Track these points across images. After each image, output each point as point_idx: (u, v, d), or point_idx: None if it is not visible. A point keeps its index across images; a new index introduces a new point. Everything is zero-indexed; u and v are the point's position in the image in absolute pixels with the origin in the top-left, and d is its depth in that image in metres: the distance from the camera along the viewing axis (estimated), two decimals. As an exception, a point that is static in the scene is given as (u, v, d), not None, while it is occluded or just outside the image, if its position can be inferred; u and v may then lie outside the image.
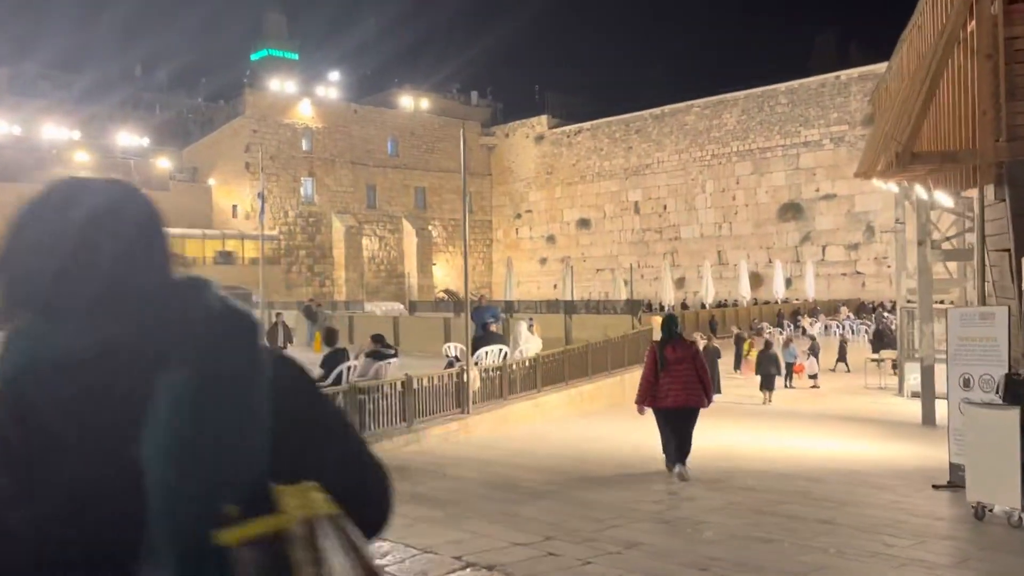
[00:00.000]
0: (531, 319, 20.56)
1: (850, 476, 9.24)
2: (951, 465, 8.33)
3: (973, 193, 9.79)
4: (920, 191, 16.23)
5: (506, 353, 14.08)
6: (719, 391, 18.03)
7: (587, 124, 61.67)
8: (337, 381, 10.13)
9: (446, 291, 60.58)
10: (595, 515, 7.03)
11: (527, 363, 14.13)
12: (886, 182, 17.00)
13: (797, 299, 44.26)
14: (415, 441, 10.60)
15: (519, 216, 65.25)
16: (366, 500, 1.17)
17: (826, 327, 37.00)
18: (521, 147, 65.45)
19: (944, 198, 14.37)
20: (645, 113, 58.59)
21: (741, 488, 8.45)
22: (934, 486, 8.41)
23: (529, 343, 14.81)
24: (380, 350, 11.03)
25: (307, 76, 61.20)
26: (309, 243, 57.04)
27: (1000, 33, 8.16)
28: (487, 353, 13.72)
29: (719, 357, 20.09)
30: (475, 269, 65.49)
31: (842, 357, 25.23)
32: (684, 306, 43.58)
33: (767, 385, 18.25)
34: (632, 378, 19.19)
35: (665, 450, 9.11)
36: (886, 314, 39.15)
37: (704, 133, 55.54)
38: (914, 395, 18.46)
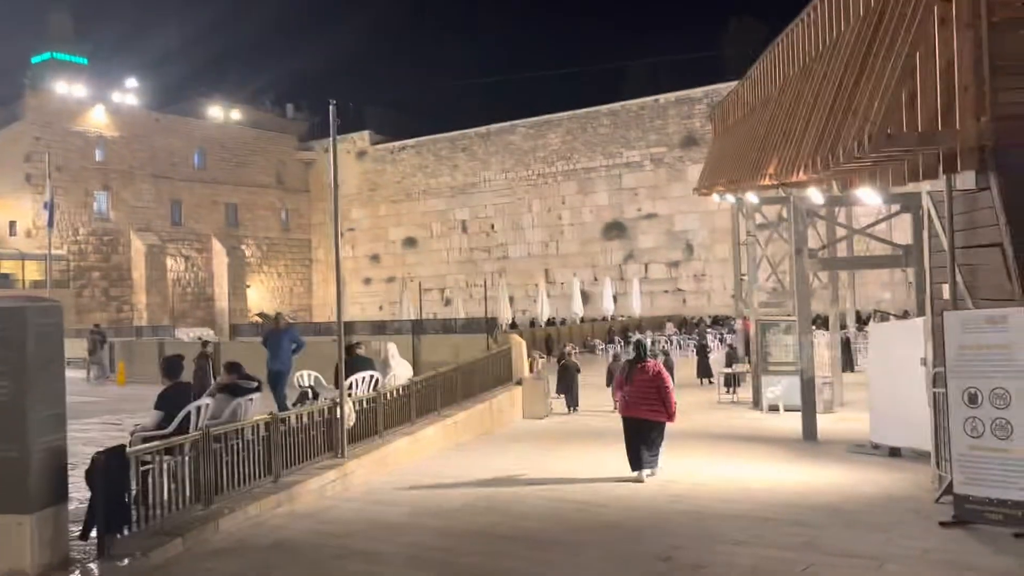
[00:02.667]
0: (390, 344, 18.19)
1: (829, 514, 7.92)
2: (956, 497, 7.18)
3: (925, 185, 8.84)
4: (797, 198, 15.67)
5: (377, 380, 11.86)
6: (576, 404, 19.07)
7: (411, 141, 60.06)
8: (184, 426, 7.59)
9: (261, 315, 56.52)
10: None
11: (401, 391, 12.00)
12: (769, 188, 16.32)
13: (622, 316, 45.16)
14: (287, 500, 8.22)
15: (341, 235, 62.03)
16: None
17: (653, 342, 37.89)
18: (342, 163, 62.48)
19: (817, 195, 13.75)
20: (471, 131, 57.80)
21: (751, 545, 6.85)
22: (941, 523, 7.23)
23: (400, 367, 12.67)
24: (238, 383, 8.54)
25: (101, 82, 55.13)
26: (104, 264, 51.20)
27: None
28: (356, 382, 11.42)
29: (579, 372, 20.26)
30: (292, 291, 61.76)
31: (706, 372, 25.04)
32: (513, 324, 42.95)
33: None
34: (499, 402, 17.56)
35: (629, 455, 10.23)
36: (709, 329, 40.43)
37: (530, 153, 55.46)
38: (771, 409, 18.30)
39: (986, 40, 7.22)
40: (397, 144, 60.58)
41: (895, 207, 18.05)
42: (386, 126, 62.94)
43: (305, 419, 9.20)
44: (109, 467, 6.38)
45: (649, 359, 10.49)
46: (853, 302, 30.42)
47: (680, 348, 37.27)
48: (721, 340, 38.12)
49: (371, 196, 60.94)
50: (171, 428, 7.46)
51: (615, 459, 11.14)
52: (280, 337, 13.85)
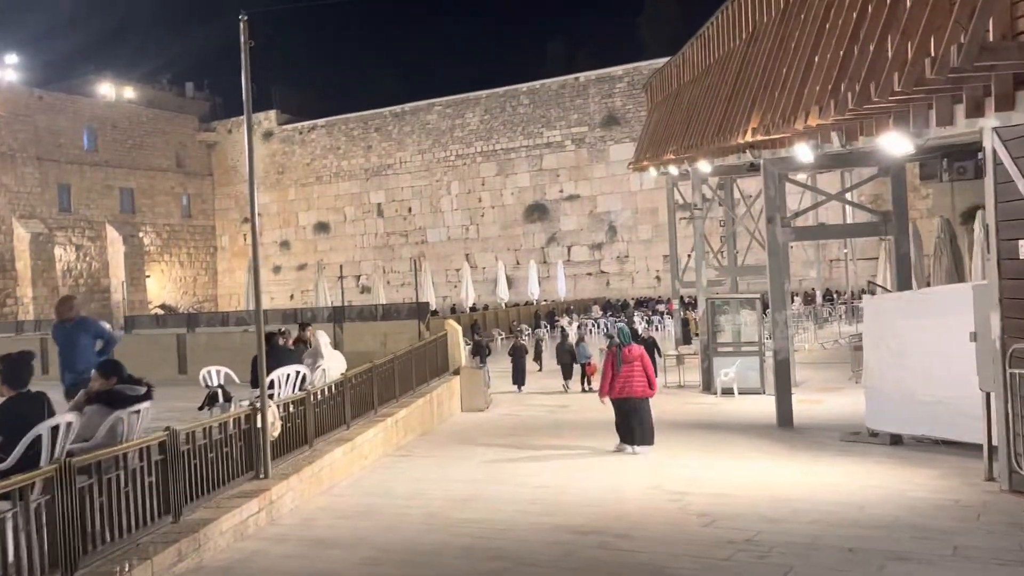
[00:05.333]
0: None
1: (919, 536, 6.14)
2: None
3: (989, 120, 7.17)
4: (769, 162, 14.08)
5: (304, 376, 9.60)
6: (524, 382, 19.34)
7: (321, 121, 56.92)
8: (35, 458, 5.12)
9: (163, 306, 52.73)
10: None
11: (334, 389, 9.80)
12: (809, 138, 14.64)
13: (546, 300, 43.96)
14: (192, 550, 5.94)
15: (247, 220, 58.69)
16: None
17: (580, 325, 36.73)
18: (246, 144, 58.88)
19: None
20: (384, 111, 55.13)
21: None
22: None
23: (331, 360, 10.43)
24: (118, 390, 6.16)
25: (-28, 58, 50.13)
26: (-18, 255, 46.59)
27: None
28: (279, 380, 9.12)
29: (527, 353, 20.31)
30: (196, 281, 57.97)
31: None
32: (434, 312, 41.04)
33: (566, 375, 19.35)
34: (439, 395, 15.56)
35: (619, 430, 10.77)
36: (636, 313, 39.32)
37: (447, 133, 53.24)
38: (725, 392, 17.15)
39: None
40: (306, 124, 57.40)
41: (867, 172, 16.76)
42: (294, 105, 59.57)
43: (216, 432, 6.93)
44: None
45: (633, 344, 11.14)
46: (789, 278, 29.54)
47: (606, 332, 35.99)
48: (648, 323, 37.11)
49: (279, 179, 57.61)
50: (10, 461, 5.04)
51: (592, 459, 9.98)
52: (71, 332, 8.98)
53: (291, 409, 8.54)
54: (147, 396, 6.31)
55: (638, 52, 50.76)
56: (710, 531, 6.53)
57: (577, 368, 19.66)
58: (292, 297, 55.20)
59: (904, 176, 14.44)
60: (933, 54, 6.34)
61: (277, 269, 57.25)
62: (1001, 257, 7.32)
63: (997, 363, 7.44)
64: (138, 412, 6.11)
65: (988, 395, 8.22)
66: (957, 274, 21.18)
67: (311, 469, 8.27)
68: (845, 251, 38.19)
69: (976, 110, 7.42)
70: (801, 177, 17.31)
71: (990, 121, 7.35)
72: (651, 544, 6.25)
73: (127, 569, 5.12)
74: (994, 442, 8.04)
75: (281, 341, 10.01)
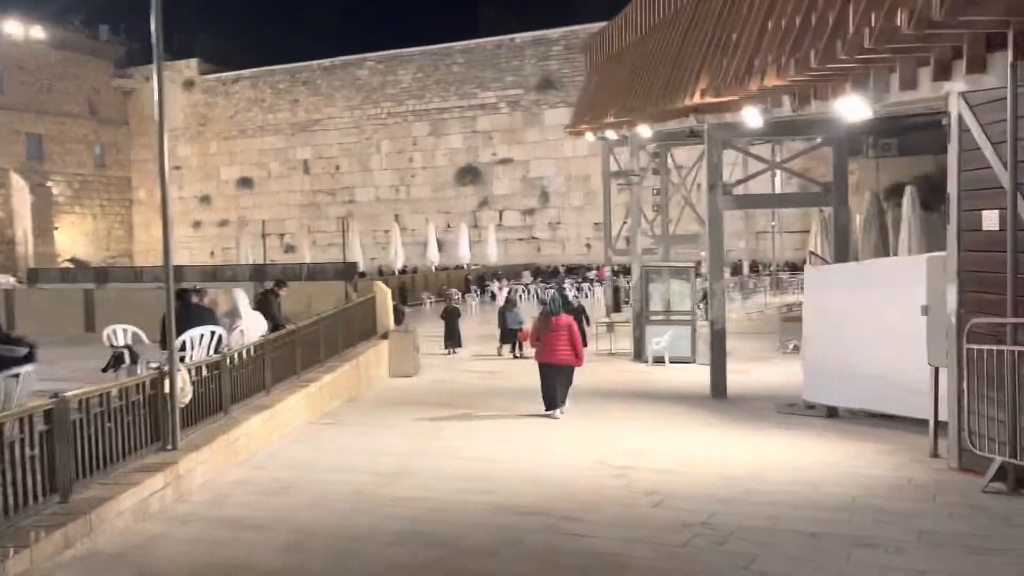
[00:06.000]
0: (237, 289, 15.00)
1: (880, 519, 5.82)
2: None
3: (955, 84, 6.83)
4: (713, 127, 13.69)
5: (220, 337, 8.79)
6: (461, 344, 19.53)
7: (246, 72, 54.66)
8: None
9: (73, 260, 50.22)
10: None
11: (253, 352, 9.05)
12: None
13: (477, 264, 43.53)
14: (84, 533, 5.20)
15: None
16: None
17: (511, 290, 36.43)
18: (167, 94, 56.01)
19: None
20: (313, 64, 53.20)
21: None
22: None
23: (251, 320, 9.63)
24: (-6, 351, 5.30)
25: None
26: None
27: None
28: (192, 341, 8.31)
29: (459, 316, 20.10)
30: (111, 234, 55.42)
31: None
32: (362, 274, 40.21)
33: (505, 340, 19.22)
34: (366, 359, 14.91)
35: (544, 396, 11.09)
36: (567, 279, 39.15)
37: (379, 90, 51.76)
38: (656, 361, 17.11)
39: None
40: (230, 75, 55.02)
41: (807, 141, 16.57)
42: (217, 54, 56.89)
43: (116, 399, 6.16)
44: None
45: (563, 314, 11.47)
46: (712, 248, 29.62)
47: (537, 298, 35.74)
48: (579, 290, 36.96)
49: (200, 131, 55.27)
50: None
51: (526, 427, 9.68)
52: None
53: (205, 373, 7.78)
54: (29, 358, 5.51)
55: (573, 15, 49.99)
56: (660, 512, 6.10)
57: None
58: (212, 254, 53.30)
59: (845, 146, 14.23)
60: (910, 8, 5.92)
61: (198, 224, 55.16)
62: (962, 228, 7.03)
63: (952, 338, 7.18)
64: (17, 376, 5.32)
65: (936, 370, 8.01)
66: (883, 248, 21.39)
67: (226, 439, 7.55)
68: (773, 223, 38.63)
69: (943, 73, 7.08)
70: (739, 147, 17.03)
71: (957, 85, 7.02)
72: (602, 528, 5.78)
73: (4, 549, 4.37)
74: (942, 418, 7.84)
75: (196, 299, 9.17)
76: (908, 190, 19.44)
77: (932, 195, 21.76)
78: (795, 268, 38.78)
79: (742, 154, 19.28)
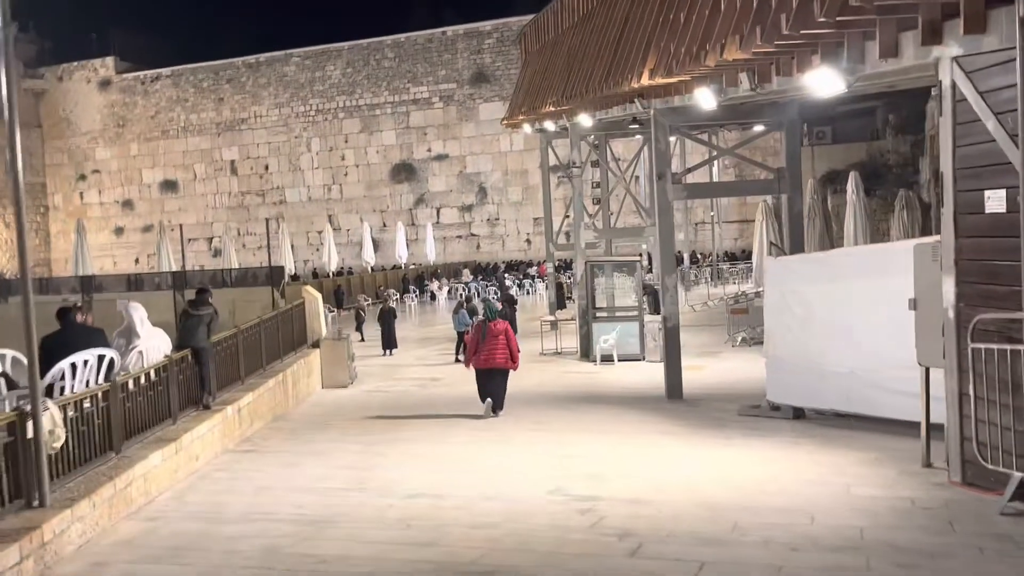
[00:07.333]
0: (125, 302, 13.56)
1: (899, 561, 4.82)
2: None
3: (947, 50, 5.98)
4: (660, 113, 12.80)
5: (112, 362, 7.50)
6: (396, 346, 19.49)
7: (167, 70, 52.35)
8: None
9: (-18, 273, 47.38)
10: None
11: (154, 376, 7.79)
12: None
13: (415, 264, 42.46)
14: None
15: (83, 178, 53.61)
16: None
17: (450, 290, 35.53)
18: (82, 94, 53.54)
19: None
20: (237, 61, 51.23)
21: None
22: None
23: (152, 339, 8.33)
24: None
25: None
26: None
27: None
28: (72, 370, 6.99)
29: (395, 317, 19.96)
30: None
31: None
32: (295, 277, 38.72)
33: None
34: (294, 372, 13.72)
35: (482, 398, 11.36)
36: (508, 276, 38.26)
37: (307, 86, 50.07)
38: (604, 360, 16.52)
39: None
40: (149, 73, 52.63)
41: (760, 127, 15.85)
42: (135, 52, 54.29)
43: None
44: None
45: (498, 319, 11.74)
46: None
47: (477, 296, 34.79)
48: (520, 287, 36.13)
49: (119, 133, 52.76)
50: None
51: (472, 448, 8.91)
52: None
53: (88, 406, 6.53)
54: None
55: (505, 7, 49.01)
56: (640, 564, 5.05)
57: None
58: (137, 261, 50.99)
59: (799, 130, 13.54)
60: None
61: (120, 231, 52.72)
62: (959, 211, 6.19)
63: (950, 335, 6.35)
64: None
65: (927, 371, 7.20)
66: (828, 236, 20.88)
67: (113, 486, 6.32)
68: (712, 213, 38.26)
69: (933, 36, 6.21)
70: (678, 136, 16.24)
71: (950, 49, 6.17)
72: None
73: None
74: (938, 422, 7.03)
75: (80, 317, 7.86)
76: (852, 176, 18.94)
77: (867, 181, 21.48)
78: (734, 258, 38.58)
79: (681, 144, 18.62)
